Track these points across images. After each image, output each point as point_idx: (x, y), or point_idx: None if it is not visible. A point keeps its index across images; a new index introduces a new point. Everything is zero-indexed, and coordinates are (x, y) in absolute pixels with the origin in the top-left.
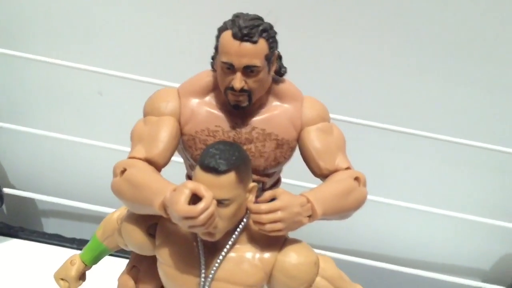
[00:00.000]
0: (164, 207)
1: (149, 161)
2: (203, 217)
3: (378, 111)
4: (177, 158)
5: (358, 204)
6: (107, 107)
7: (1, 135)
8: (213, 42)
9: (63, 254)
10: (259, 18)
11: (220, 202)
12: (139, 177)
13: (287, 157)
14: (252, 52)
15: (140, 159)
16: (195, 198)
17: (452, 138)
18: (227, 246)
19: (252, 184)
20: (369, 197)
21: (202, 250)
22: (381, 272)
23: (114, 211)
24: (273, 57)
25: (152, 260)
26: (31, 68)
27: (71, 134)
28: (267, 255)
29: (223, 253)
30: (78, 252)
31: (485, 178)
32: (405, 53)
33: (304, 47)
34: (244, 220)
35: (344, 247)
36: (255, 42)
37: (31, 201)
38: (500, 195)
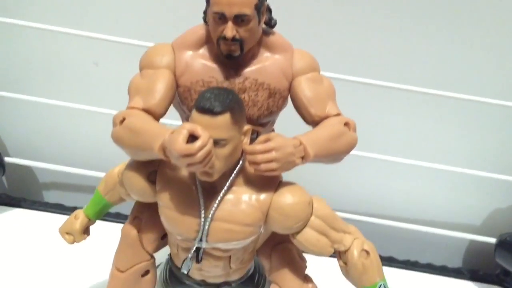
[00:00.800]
0: (163, 149)
1: (147, 111)
2: (200, 154)
3: (372, 68)
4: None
5: (349, 147)
6: (104, 75)
7: None
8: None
9: None
10: None
11: (216, 143)
12: (138, 124)
13: (279, 107)
14: (242, 1)
15: (138, 109)
16: (192, 139)
17: (441, 92)
18: (225, 188)
19: (246, 127)
20: (361, 153)
21: (201, 193)
22: (372, 228)
23: (115, 166)
24: (262, 7)
25: (154, 210)
26: (28, 36)
27: (69, 102)
28: (263, 196)
29: (221, 195)
30: None
31: (475, 132)
32: (401, 9)
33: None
34: (240, 162)
35: (338, 207)
36: None
37: (32, 173)
38: (491, 148)
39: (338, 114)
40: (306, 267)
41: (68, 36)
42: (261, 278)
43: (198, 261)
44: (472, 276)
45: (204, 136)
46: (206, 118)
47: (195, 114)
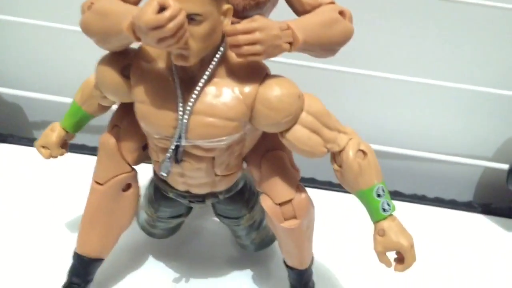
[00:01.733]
0: (133, 27)
1: None
2: (171, 25)
3: None
4: None
5: (344, 37)
6: None
7: None
8: None
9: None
10: None
11: (191, 19)
12: (107, 6)
13: None
14: None
15: None
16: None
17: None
18: (204, 77)
19: (227, 6)
20: (359, 70)
21: (178, 85)
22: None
23: (92, 74)
24: None
25: (133, 118)
26: None
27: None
28: (247, 88)
29: (200, 84)
30: (69, 153)
31: (489, 47)
32: None
33: None
34: (221, 49)
35: None
36: None
37: (20, 111)
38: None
39: (332, 3)
40: (299, 177)
41: None
42: (252, 196)
43: (177, 161)
44: (484, 209)
45: (174, 6)
46: None
47: None
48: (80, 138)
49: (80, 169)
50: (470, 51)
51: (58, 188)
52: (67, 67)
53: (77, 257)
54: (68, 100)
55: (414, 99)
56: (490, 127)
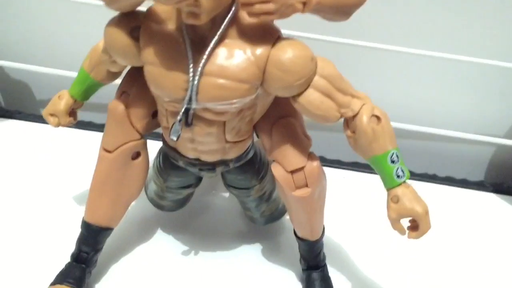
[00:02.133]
0: None
1: None
2: None
3: None
4: None
5: None
6: None
7: None
8: None
9: (61, 133)
10: None
11: None
12: None
13: None
14: None
15: None
16: None
17: None
18: (215, 38)
19: None
20: (370, 44)
21: (189, 45)
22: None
23: (100, 40)
24: None
25: (142, 84)
26: None
27: None
28: (259, 50)
29: (211, 45)
30: (76, 130)
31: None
32: None
33: None
34: (233, 9)
35: None
36: None
37: (28, 89)
38: None
39: None
40: (311, 145)
41: None
42: (263, 166)
43: (187, 124)
44: (496, 188)
45: None
46: None
47: None
48: (87, 116)
49: (87, 145)
50: (484, 24)
51: (65, 163)
52: (73, 42)
53: (86, 225)
54: (72, 74)
55: (426, 74)
56: (503, 104)
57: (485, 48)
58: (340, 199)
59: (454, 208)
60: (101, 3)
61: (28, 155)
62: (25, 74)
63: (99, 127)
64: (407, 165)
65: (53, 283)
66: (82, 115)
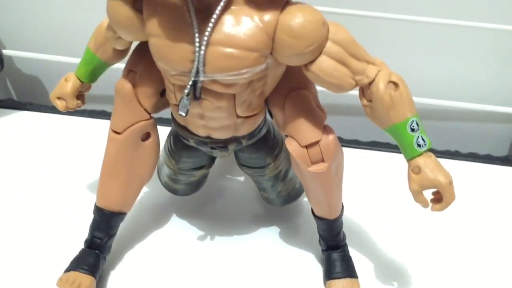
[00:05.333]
0: None
1: None
2: None
3: None
4: None
5: None
6: None
7: None
8: None
9: (73, 122)
10: None
11: None
12: None
13: None
14: None
15: None
16: None
17: None
18: (221, 4)
19: None
20: (390, 15)
21: (194, 14)
22: None
23: (105, 19)
24: None
25: (148, 61)
26: None
27: None
28: (267, 16)
29: (217, 12)
30: (88, 119)
31: None
32: None
33: None
34: None
35: None
36: None
37: (38, 80)
38: None
39: None
40: (325, 118)
41: None
42: (276, 144)
43: (196, 97)
44: None
45: None
46: None
47: None
48: (99, 105)
49: (99, 134)
50: None
51: (78, 152)
52: (82, 30)
53: (98, 210)
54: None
55: (445, 44)
56: None
57: (506, 13)
58: (359, 179)
59: (479, 185)
60: None
61: (41, 145)
62: (35, 65)
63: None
64: None
65: (67, 270)
66: (94, 106)
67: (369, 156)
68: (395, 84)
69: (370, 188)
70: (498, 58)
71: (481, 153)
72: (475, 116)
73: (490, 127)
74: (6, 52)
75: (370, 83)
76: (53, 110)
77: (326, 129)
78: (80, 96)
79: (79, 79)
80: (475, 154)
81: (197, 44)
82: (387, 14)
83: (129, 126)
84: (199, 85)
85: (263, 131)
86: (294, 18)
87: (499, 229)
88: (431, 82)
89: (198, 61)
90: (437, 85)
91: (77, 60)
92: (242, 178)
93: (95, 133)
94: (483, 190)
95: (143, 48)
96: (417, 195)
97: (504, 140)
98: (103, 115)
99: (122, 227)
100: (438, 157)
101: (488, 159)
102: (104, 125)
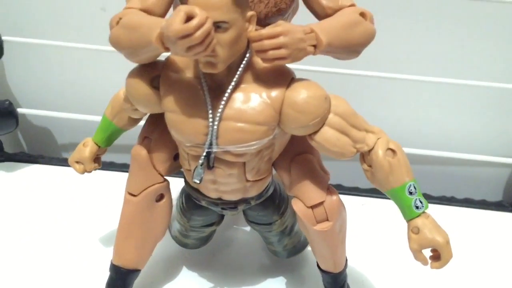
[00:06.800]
0: (161, 38)
1: (145, 11)
2: (199, 33)
3: None
4: None
5: (366, 38)
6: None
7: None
8: None
9: (84, 175)
10: None
11: (218, 27)
12: (135, 20)
13: (287, 3)
14: None
15: (135, 9)
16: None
17: None
18: (232, 83)
19: (251, 13)
20: (384, 74)
21: (207, 92)
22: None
23: (121, 88)
24: None
25: (164, 129)
26: None
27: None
28: (274, 92)
29: (228, 91)
30: (98, 171)
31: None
32: None
33: None
34: (247, 55)
35: None
36: None
37: (50, 134)
38: None
39: (353, 5)
40: (329, 179)
41: None
42: (283, 201)
43: (209, 167)
44: None
45: (201, 14)
46: None
47: None
48: (108, 156)
49: (110, 185)
50: (491, 48)
51: (90, 205)
52: (91, 87)
53: (114, 268)
54: (93, 118)
55: (437, 100)
56: None
57: (495, 71)
58: (360, 227)
59: (474, 230)
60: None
61: (53, 197)
62: (46, 120)
63: (120, 167)
64: (424, 189)
65: None
66: (103, 157)
67: (370, 203)
68: (393, 151)
69: (371, 236)
70: (491, 112)
71: (476, 199)
72: (470, 162)
73: (484, 173)
74: (21, 110)
75: (370, 151)
76: (64, 163)
77: (329, 190)
78: (96, 159)
79: (97, 144)
80: (471, 199)
81: (210, 119)
82: (383, 73)
83: (145, 189)
84: (212, 155)
85: (271, 191)
86: (299, 94)
87: (496, 274)
88: (426, 133)
89: (212, 134)
90: (431, 136)
91: (87, 117)
92: (248, 229)
93: (104, 184)
94: (479, 236)
95: (158, 116)
96: (417, 253)
97: (498, 185)
98: (113, 166)
99: (135, 281)
100: (434, 203)
101: (483, 204)
102: (113, 176)
